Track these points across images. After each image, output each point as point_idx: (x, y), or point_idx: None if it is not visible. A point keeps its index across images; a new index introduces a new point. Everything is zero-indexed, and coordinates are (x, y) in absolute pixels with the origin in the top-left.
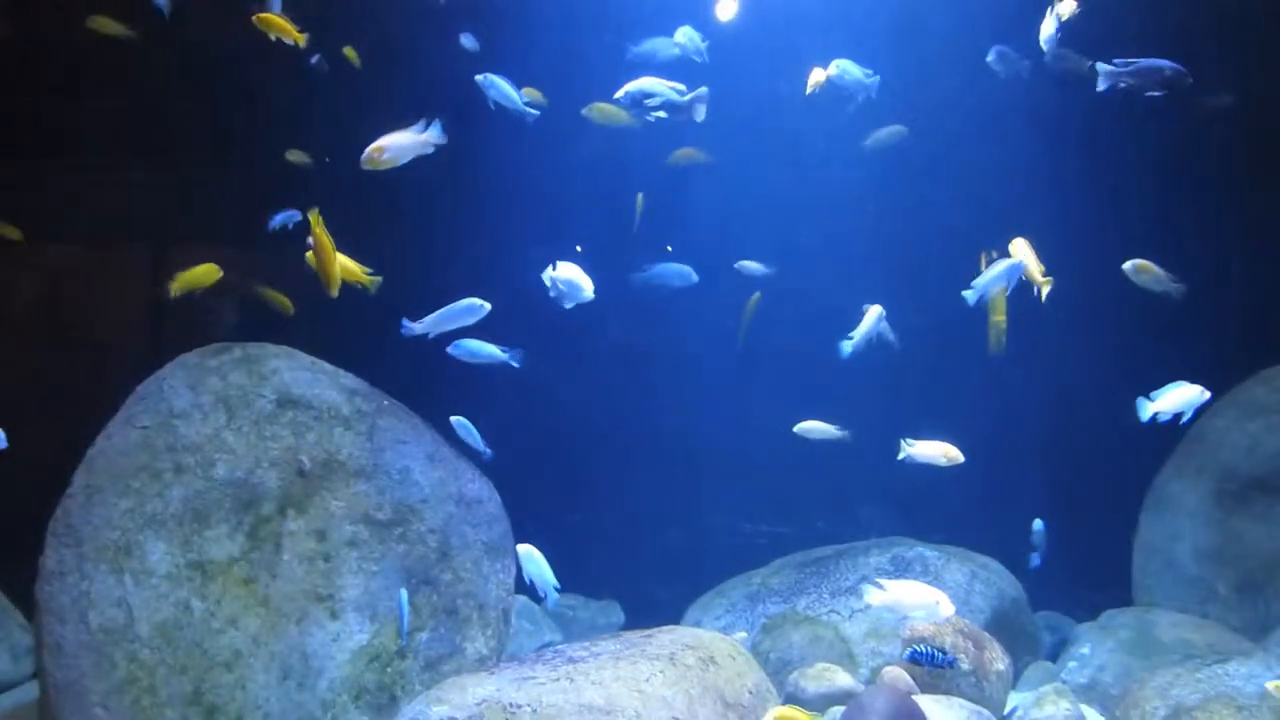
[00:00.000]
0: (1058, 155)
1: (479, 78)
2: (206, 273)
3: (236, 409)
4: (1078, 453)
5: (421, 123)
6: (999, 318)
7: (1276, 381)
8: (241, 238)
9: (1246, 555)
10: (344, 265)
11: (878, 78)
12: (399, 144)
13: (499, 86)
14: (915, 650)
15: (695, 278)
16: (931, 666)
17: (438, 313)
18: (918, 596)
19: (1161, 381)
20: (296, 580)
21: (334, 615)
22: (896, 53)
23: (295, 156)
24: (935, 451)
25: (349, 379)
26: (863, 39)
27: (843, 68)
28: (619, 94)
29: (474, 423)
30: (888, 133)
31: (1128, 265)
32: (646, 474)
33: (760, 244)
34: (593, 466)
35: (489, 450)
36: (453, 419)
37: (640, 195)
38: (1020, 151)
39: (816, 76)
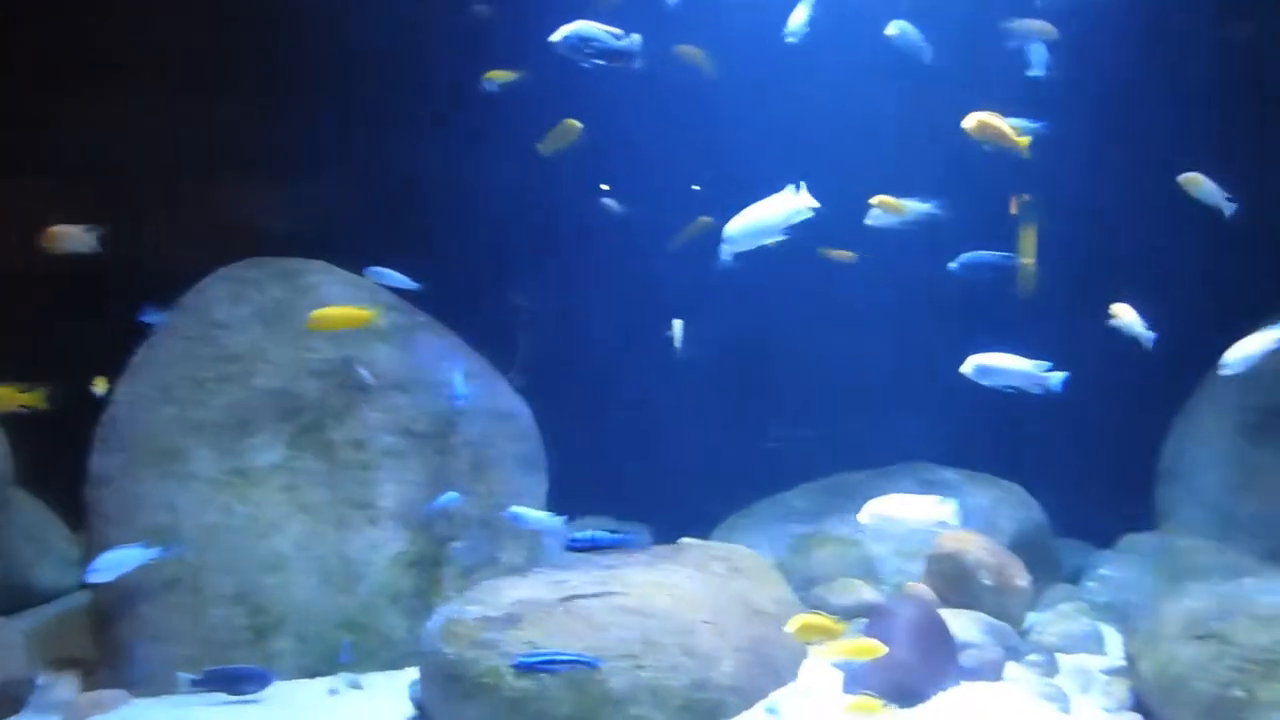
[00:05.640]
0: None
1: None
2: (569, 128)
3: (276, 321)
4: (1101, 383)
5: (93, 226)
6: (1029, 260)
7: None
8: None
9: (1269, 485)
10: None
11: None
12: (66, 233)
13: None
14: (574, 538)
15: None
16: (597, 548)
17: None
18: (913, 505)
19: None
20: (336, 488)
21: (372, 522)
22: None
23: (495, 75)
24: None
25: (386, 295)
26: None
27: (902, 28)
28: (555, 37)
29: (499, 350)
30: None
31: (1182, 177)
32: (674, 399)
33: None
34: (619, 394)
35: (418, 285)
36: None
37: None
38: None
39: None
